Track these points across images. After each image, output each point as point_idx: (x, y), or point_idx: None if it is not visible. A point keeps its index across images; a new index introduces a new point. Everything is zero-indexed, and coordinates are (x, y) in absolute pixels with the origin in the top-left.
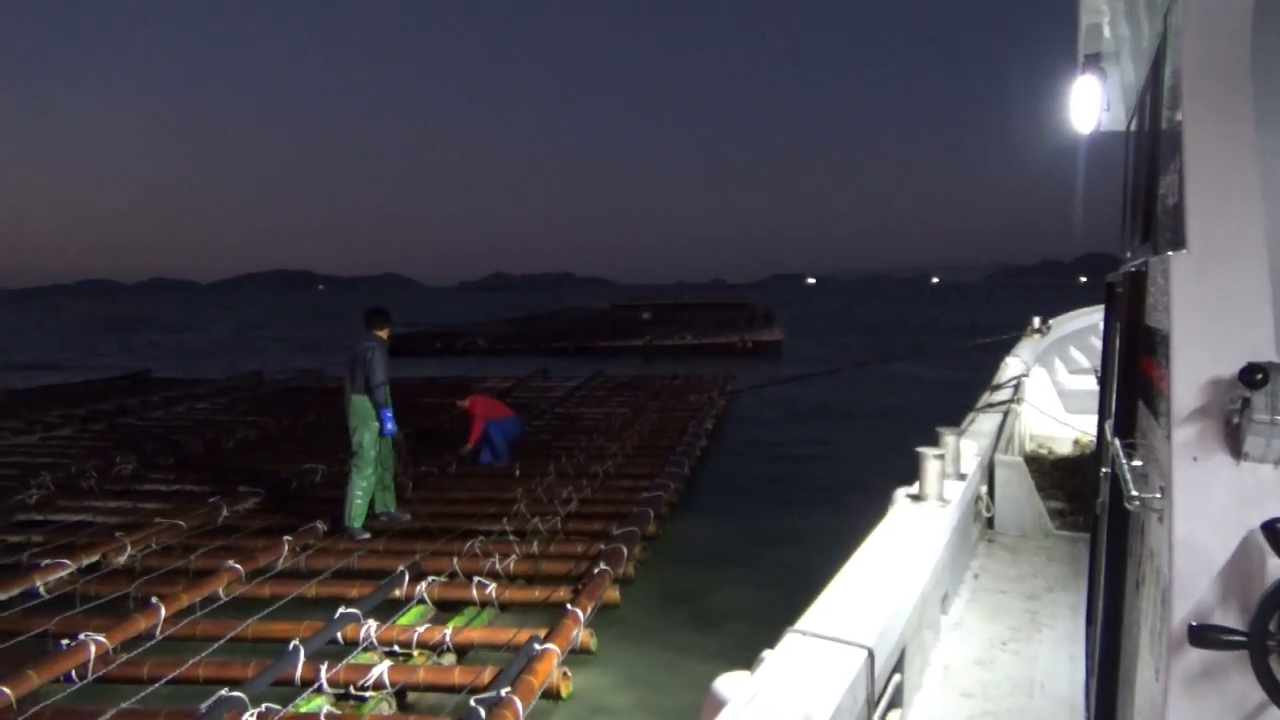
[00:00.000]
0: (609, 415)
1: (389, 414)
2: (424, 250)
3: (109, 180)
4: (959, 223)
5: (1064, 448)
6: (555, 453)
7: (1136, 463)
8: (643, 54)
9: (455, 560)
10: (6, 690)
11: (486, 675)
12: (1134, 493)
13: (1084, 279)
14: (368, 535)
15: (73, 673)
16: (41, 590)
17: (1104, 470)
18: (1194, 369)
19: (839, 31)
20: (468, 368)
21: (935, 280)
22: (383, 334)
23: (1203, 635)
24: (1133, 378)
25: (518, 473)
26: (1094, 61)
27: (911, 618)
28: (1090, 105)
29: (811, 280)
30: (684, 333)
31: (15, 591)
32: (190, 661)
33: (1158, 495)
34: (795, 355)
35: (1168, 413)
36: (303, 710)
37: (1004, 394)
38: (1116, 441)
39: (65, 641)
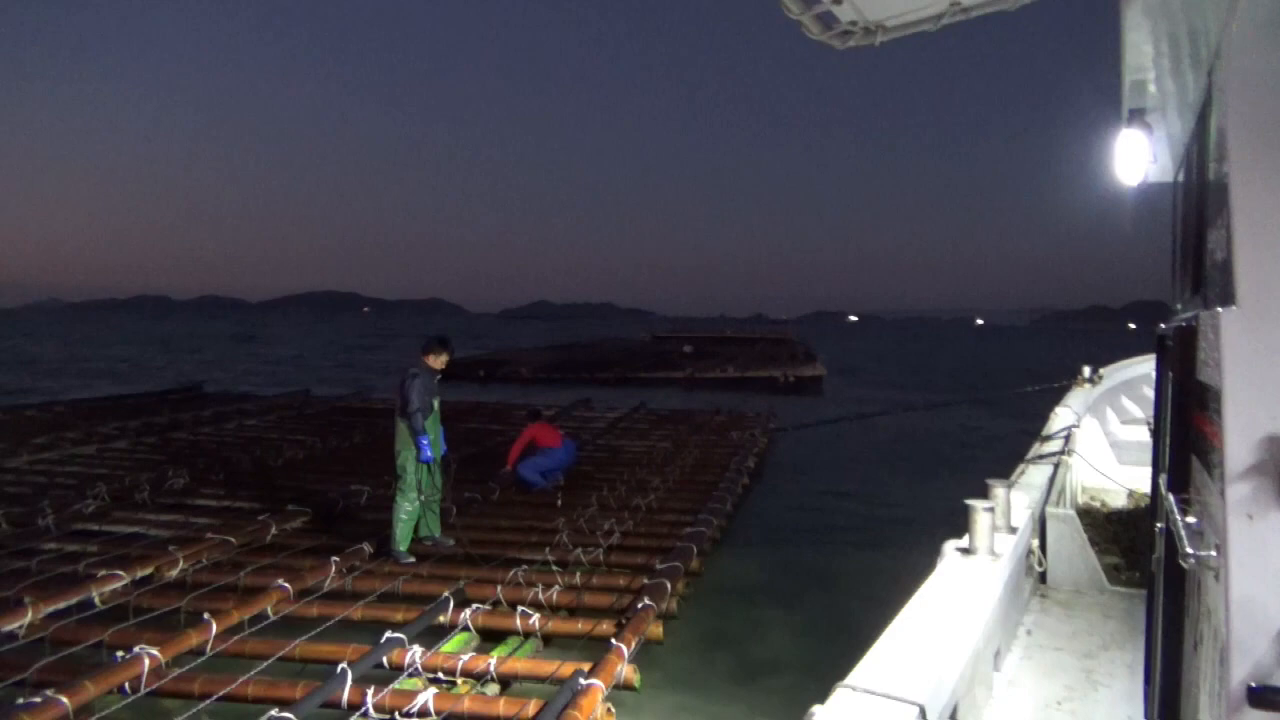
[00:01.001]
0: (651, 448)
1: (425, 440)
2: (468, 276)
3: (163, 198)
4: (1004, 265)
5: (1117, 500)
6: (598, 484)
7: (1191, 519)
8: (691, 86)
9: (499, 588)
10: (64, 700)
11: (531, 708)
12: (1189, 550)
13: (1133, 325)
14: (413, 559)
15: (126, 685)
16: (97, 601)
17: (1159, 526)
18: (1247, 426)
19: (889, 71)
20: (510, 394)
21: (979, 322)
22: (433, 361)
23: (1262, 696)
24: (1186, 432)
25: (560, 502)
26: (1139, 116)
27: (964, 674)
28: (1136, 158)
29: (854, 318)
30: (725, 366)
31: (73, 600)
32: (240, 680)
33: (1213, 553)
34: (836, 392)
35: (1222, 469)
36: None
37: (1055, 445)
38: (1171, 497)
39: (120, 653)
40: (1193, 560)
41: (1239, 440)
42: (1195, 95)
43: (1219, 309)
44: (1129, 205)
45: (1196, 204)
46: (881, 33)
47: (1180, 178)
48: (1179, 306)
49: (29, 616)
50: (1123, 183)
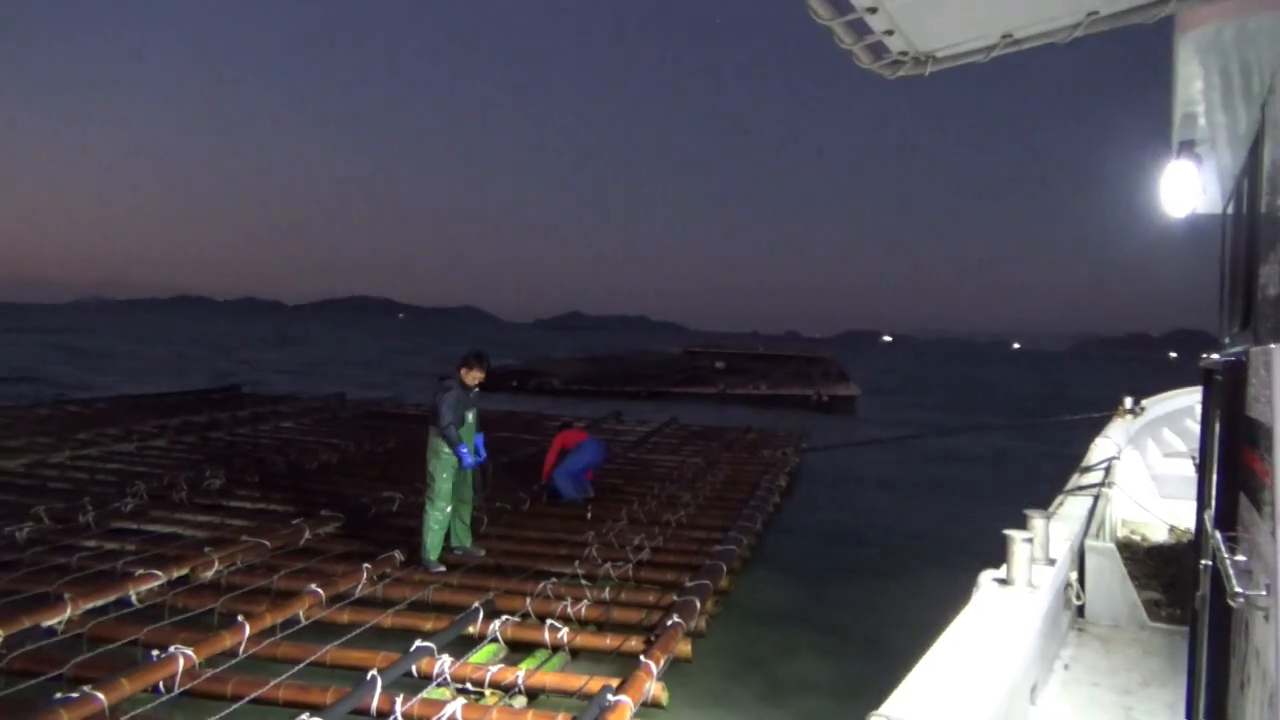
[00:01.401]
0: (681, 464)
1: (464, 450)
2: (502, 285)
3: (206, 200)
4: (1044, 290)
5: (1158, 535)
6: (628, 498)
7: (1240, 557)
8: (728, 100)
9: (528, 600)
10: (101, 696)
11: None
12: (1238, 589)
13: (1174, 354)
14: (443, 568)
15: (161, 684)
16: (134, 599)
17: (1204, 563)
18: None
19: (933, 94)
20: (541, 405)
21: (1016, 346)
22: (468, 375)
23: None
24: (1234, 469)
25: (589, 515)
26: (1189, 147)
27: (1000, 708)
28: (1184, 190)
29: (888, 338)
30: (758, 383)
31: (111, 598)
32: (272, 683)
33: (1263, 593)
34: (870, 413)
35: (1273, 508)
36: None
37: (1095, 476)
38: (1218, 535)
39: (155, 652)
40: (1241, 599)
41: None
42: (1247, 128)
43: (1272, 345)
44: (1175, 236)
45: (1246, 237)
46: (931, 63)
47: (1229, 210)
48: (1227, 340)
49: (68, 612)
50: (1169, 214)
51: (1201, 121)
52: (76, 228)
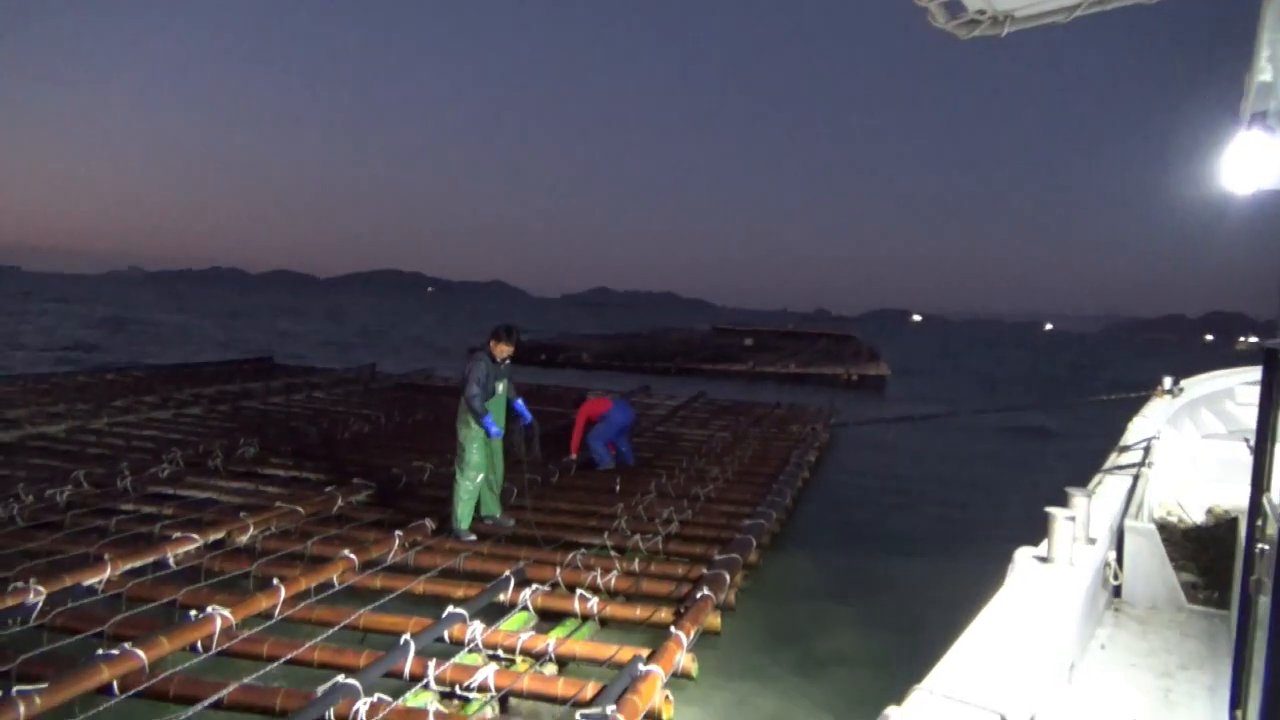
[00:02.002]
0: (710, 438)
1: (490, 420)
2: (531, 261)
3: (240, 173)
4: (1076, 270)
5: (1196, 516)
6: (656, 471)
7: None
8: (761, 77)
9: (558, 570)
10: (141, 653)
11: (589, 690)
12: None
13: (1210, 337)
14: (473, 537)
15: (199, 643)
16: (171, 561)
17: (1261, 547)
18: None
19: (967, 68)
20: (569, 379)
21: (1049, 327)
22: (496, 348)
23: None
24: None
25: (618, 488)
26: (1261, 119)
27: (1039, 685)
28: (1255, 163)
29: (918, 317)
30: (787, 361)
31: (149, 560)
32: (306, 644)
33: None
34: (900, 393)
35: None
36: (410, 705)
37: (1133, 456)
38: None
39: (193, 613)
40: None
41: None
42: None
43: None
44: (1235, 212)
45: None
46: (1010, 23)
47: None
48: None
49: (108, 573)
50: (1232, 189)
51: (1277, 93)
52: (111, 199)
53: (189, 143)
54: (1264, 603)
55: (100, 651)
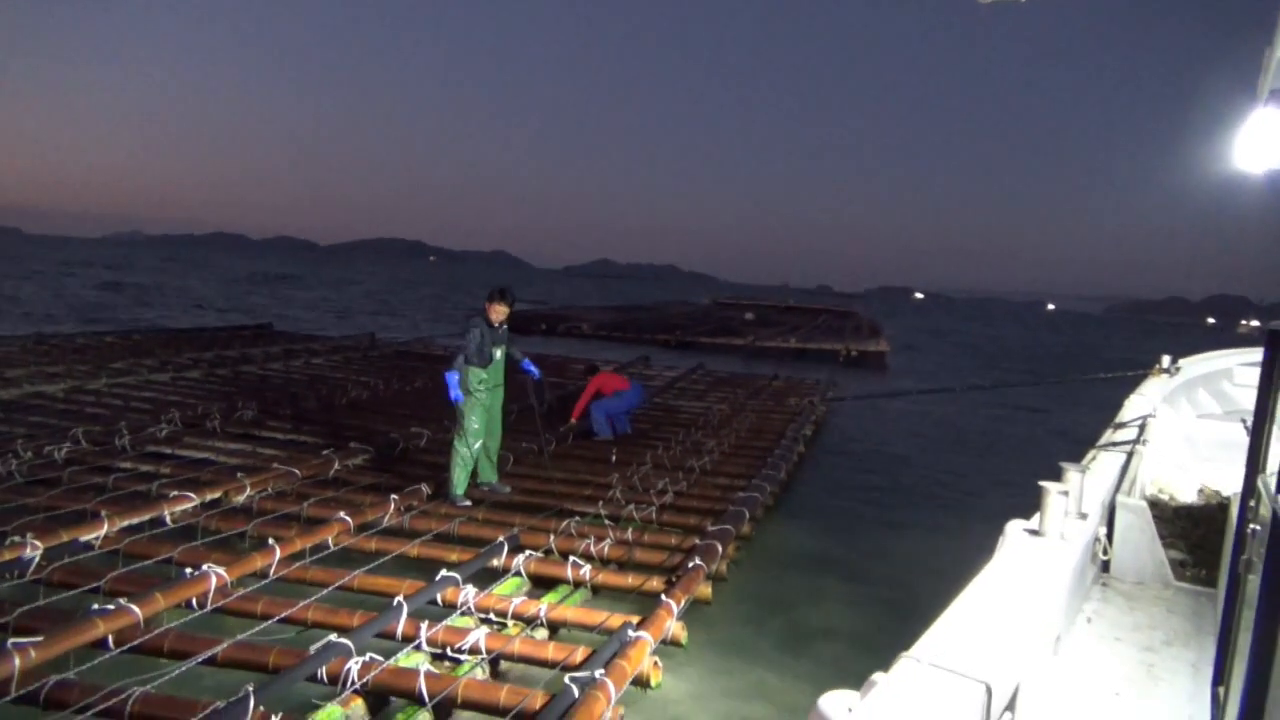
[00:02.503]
0: (707, 410)
1: (454, 379)
2: (533, 231)
3: (243, 138)
4: (1079, 251)
5: (1188, 495)
6: (653, 442)
7: None
8: (762, 51)
9: (551, 537)
10: (136, 609)
11: (579, 655)
12: None
13: (1212, 320)
14: (468, 503)
15: (194, 600)
16: (168, 519)
17: (1254, 527)
18: None
19: (973, 44)
20: (570, 349)
21: (1051, 307)
22: (492, 311)
23: None
24: None
25: (614, 459)
26: (1279, 96)
27: (1025, 656)
28: (1271, 141)
29: (920, 295)
30: (788, 336)
31: (146, 518)
32: (300, 604)
33: None
34: (900, 369)
35: None
36: (402, 665)
37: (1128, 433)
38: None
39: (189, 570)
40: None
41: None
42: None
43: None
44: (1246, 193)
45: None
46: None
47: None
48: None
49: (104, 529)
50: (1244, 169)
51: None
52: (112, 163)
53: (190, 107)
54: (1253, 582)
55: (95, 606)
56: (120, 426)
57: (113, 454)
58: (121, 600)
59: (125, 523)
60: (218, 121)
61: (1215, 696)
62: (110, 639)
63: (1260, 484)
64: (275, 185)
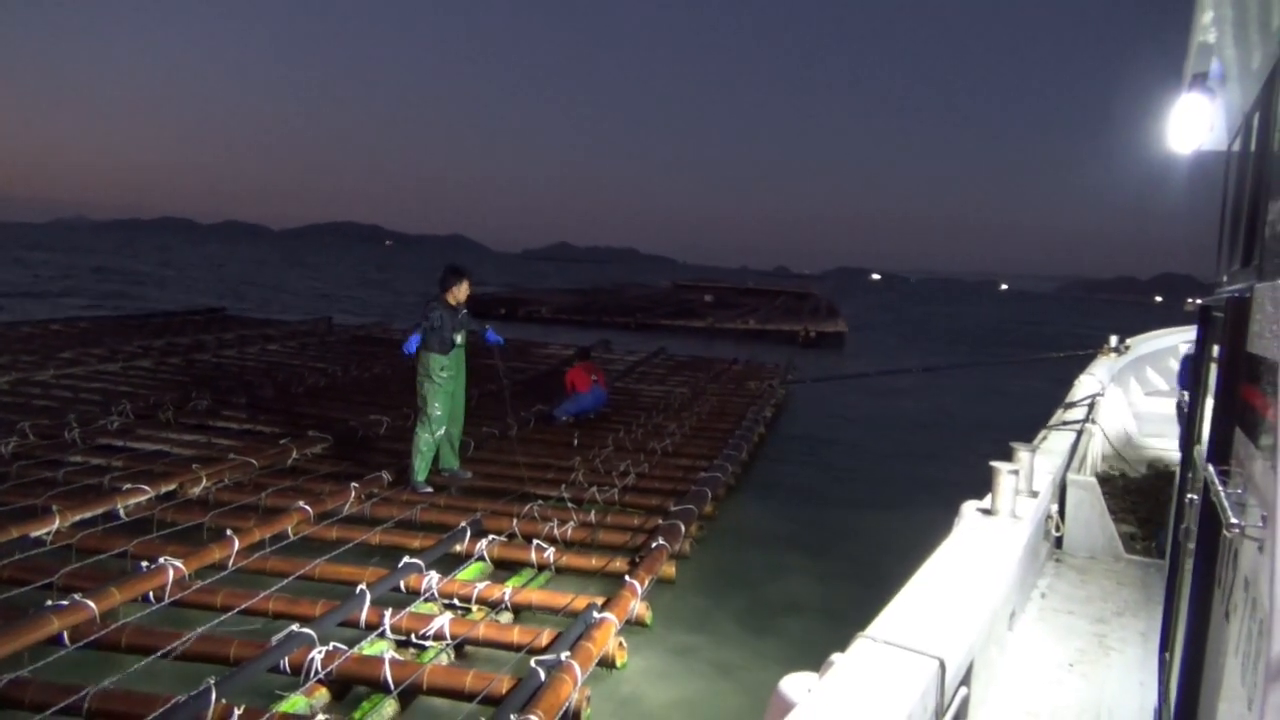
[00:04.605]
0: (668, 393)
1: (415, 339)
2: (491, 215)
3: (190, 121)
4: (1031, 231)
5: (1137, 470)
6: (614, 426)
7: (1235, 490)
8: (719, 34)
9: (515, 522)
10: (91, 604)
11: (545, 637)
12: (1234, 520)
13: (1160, 298)
14: (430, 489)
15: (151, 594)
16: (122, 513)
17: (1190, 497)
18: None
19: (927, 27)
20: (530, 335)
21: (1004, 287)
22: (450, 295)
23: None
24: (1230, 404)
25: (577, 442)
26: (1201, 81)
27: (981, 632)
28: (1194, 124)
29: (876, 276)
30: (746, 318)
31: (99, 511)
32: (261, 594)
33: (1259, 524)
34: (858, 350)
35: (1274, 441)
36: (366, 653)
37: (1078, 412)
38: (1211, 468)
39: (145, 563)
40: (1237, 530)
41: None
42: (1261, 63)
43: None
44: (1179, 174)
45: (1254, 175)
46: None
47: (1236, 147)
48: (1225, 279)
49: (56, 524)
50: (1176, 150)
51: (1215, 54)
52: (56, 147)
53: (132, 87)
54: (1191, 550)
55: (50, 603)
56: (70, 419)
57: (62, 447)
58: (76, 596)
59: (77, 517)
60: (163, 103)
61: (1162, 662)
62: (65, 635)
63: (1195, 455)
64: (221, 169)
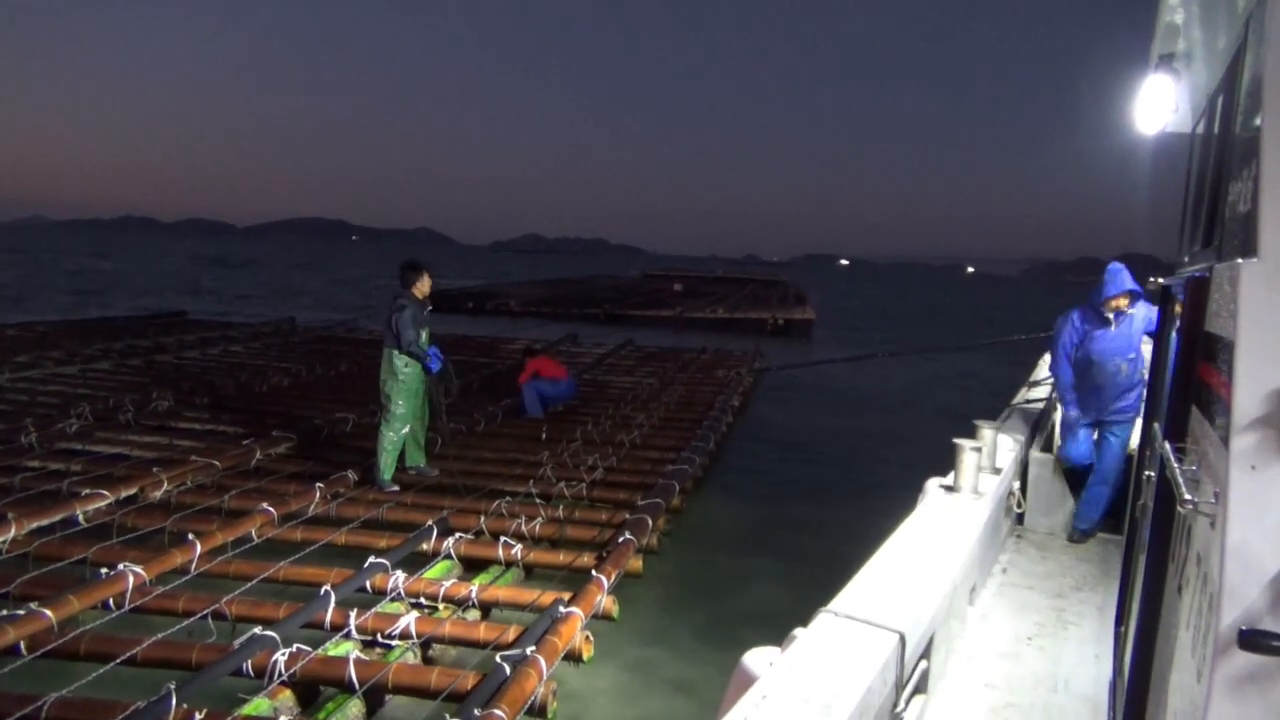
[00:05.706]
0: (636, 385)
1: (434, 351)
2: (459, 207)
3: (151, 119)
4: (996, 214)
5: None
6: (582, 419)
7: (1189, 466)
8: (687, 25)
9: (482, 519)
10: (49, 612)
11: (511, 634)
12: (1187, 496)
13: None
14: (396, 488)
15: (110, 601)
16: (81, 519)
17: (1147, 474)
18: (1257, 378)
19: (884, 15)
20: (499, 328)
21: (970, 270)
22: (416, 290)
23: (1252, 640)
24: (1188, 383)
25: (544, 436)
26: (1167, 61)
27: (941, 606)
28: (1159, 105)
29: (845, 261)
30: (715, 307)
31: (57, 518)
32: (224, 599)
33: (1212, 500)
34: (826, 336)
35: (1227, 420)
36: (331, 654)
37: (1041, 391)
38: (1167, 445)
39: (104, 570)
40: (1190, 506)
41: (1248, 392)
42: (1226, 44)
43: (1239, 260)
44: (1144, 155)
45: (1217, 155)
46: None
47: (1199, 129)
48: (1186, 259)
49: (12, 532)
50: (1140, 130)
51: (1182, 35)
52: (13, 146)
53: (97, 84)
54: (1146, 525)
55: (5, 612)
56: (26, 423)
57: (18, 452)
58: (33, 605)
59: (34, 524)
60: (122, 100)
61: (1117, 636)
62: (22, 645)
63: (1154, 429)
64: (183, 166)
